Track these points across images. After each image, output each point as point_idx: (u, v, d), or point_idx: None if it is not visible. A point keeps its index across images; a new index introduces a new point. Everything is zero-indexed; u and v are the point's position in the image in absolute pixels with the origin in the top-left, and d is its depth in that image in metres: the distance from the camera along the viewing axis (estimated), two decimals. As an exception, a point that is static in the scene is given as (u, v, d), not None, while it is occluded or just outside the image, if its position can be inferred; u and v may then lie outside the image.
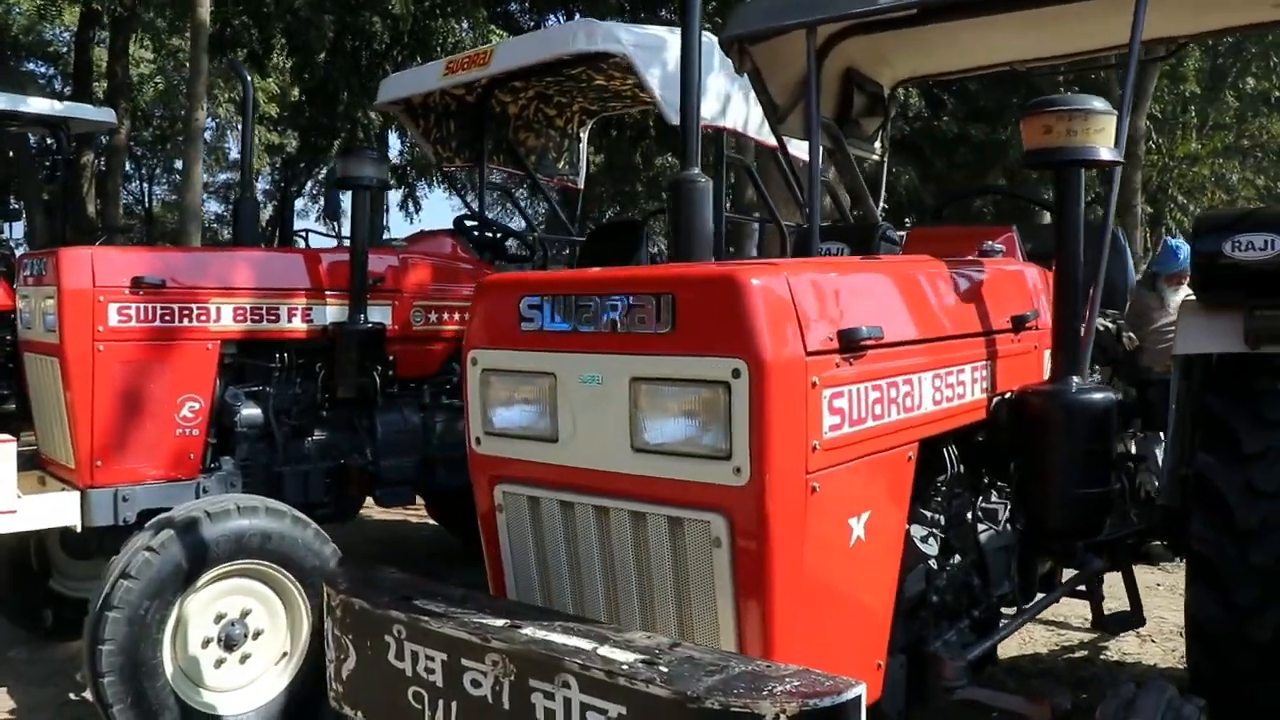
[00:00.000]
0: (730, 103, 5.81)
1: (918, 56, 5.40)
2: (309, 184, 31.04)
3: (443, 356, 5.53)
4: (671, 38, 5.55)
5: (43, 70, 26.51)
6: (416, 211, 38.06)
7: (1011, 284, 3.33)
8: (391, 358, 5.10)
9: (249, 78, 5.70)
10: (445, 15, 12.97)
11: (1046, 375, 3.28)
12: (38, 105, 8.28)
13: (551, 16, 14.94)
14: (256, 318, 4.80)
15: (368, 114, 13.05)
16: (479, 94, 6.88)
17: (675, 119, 5.52)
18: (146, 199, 35.71)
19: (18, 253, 8.47)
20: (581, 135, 7.78)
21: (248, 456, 4.87)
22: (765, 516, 2.07)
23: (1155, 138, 22.20)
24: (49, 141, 22.77)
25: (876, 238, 4.80)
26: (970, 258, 3.31)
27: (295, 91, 17.70)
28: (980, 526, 3.15)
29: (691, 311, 2.13)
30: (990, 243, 3.54)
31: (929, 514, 2.80)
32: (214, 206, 35.48)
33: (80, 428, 4.34)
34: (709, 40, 5.68)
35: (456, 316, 5.58)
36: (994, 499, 3.27)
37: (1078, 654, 5.26)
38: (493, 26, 13.39)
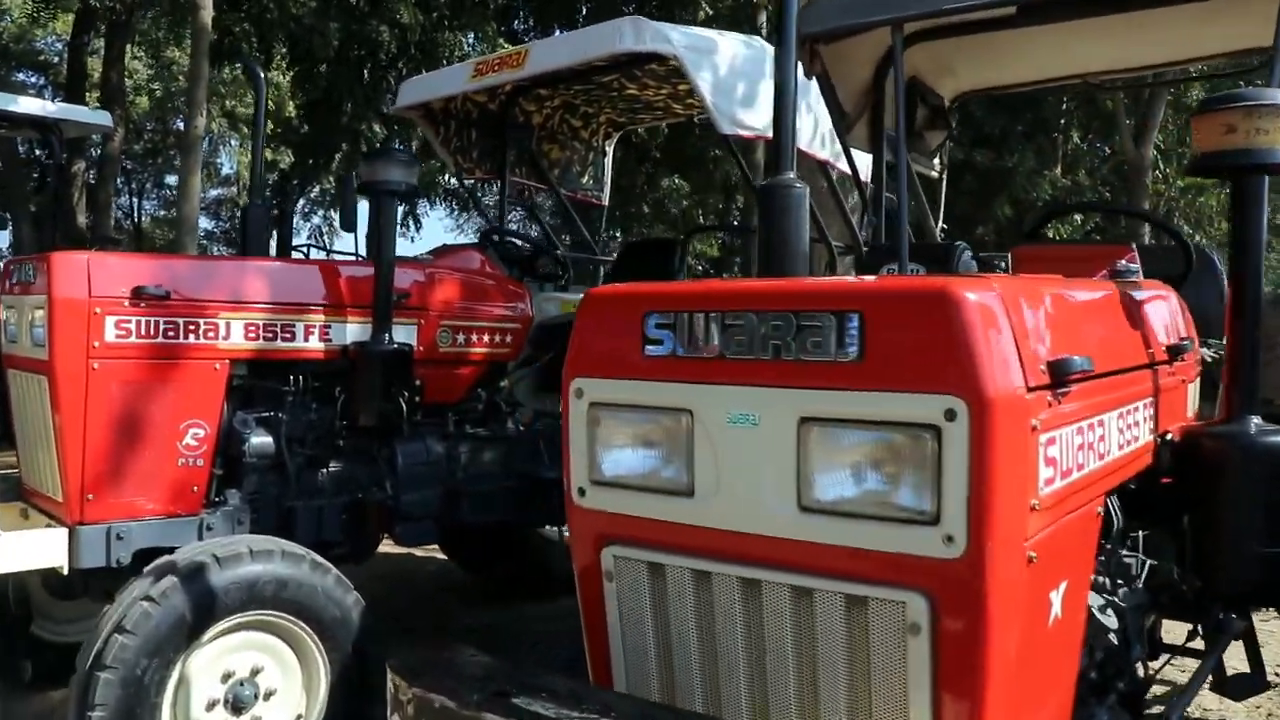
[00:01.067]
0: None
1: (985, 67, 5.06)
2: (300, 202, 30.58)
3: (470, 381, 5.06)
4: (722, 40, 5.14)
5: (33, 80, 26.00)
6: (417, 229, 37.54)
7: (1166, 309, 2.89)
8: (417, 382, 4.61)
9: (262, 75, 5.23)
10: (454, 27, 12.54)
11: (1192, 411, 2.84)
12: (30, 105, 7.79)
13: (557, 30, 14.53)
14: (270, 335, 4.32)
15: (372, 126, 12.59)
16: (502, 101, 6.46)
17: (727, 127, 5.13)
18: (136, 213, 35.14)
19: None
20: (607, 149, 7.38)
21: (256, 490, 4.39)
22: (984, 596, 1.65)
23: (1162, 167, 21.96)
24: (37, 151, 22.38)
25: (956, 257, 4.36)
26: (1117, 280, 2.87)
27: (290, 106, 17.30)
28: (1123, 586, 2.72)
29: (886, 334, 1.71)
30: (1123, 262, 3.10)
31: (1101, 579, 2.34)
32: (204, 223, 34.88)
33: (70, 455, 3.84)
34: (762, 46, 5.28)
35: (486, 338, 5.12)
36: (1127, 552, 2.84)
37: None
38: (501, 41, 12.99)
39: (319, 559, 3.78)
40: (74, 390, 3.83)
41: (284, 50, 13.09)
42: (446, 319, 4.93)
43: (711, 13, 12.75)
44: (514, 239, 5.93)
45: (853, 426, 1.74)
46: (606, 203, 7.57)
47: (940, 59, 4.74)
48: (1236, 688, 3.83)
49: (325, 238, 33.07)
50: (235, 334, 4.22)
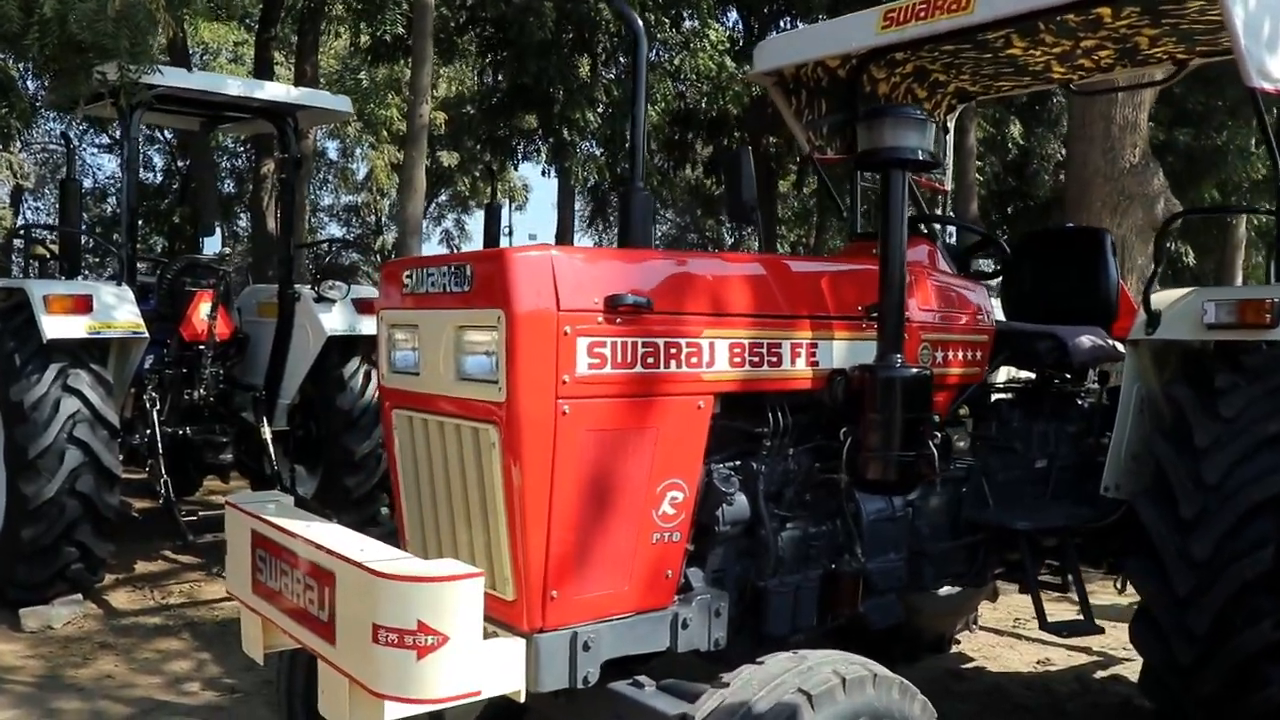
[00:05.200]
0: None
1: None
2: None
3: (944, 409, 3.82)
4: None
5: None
6: (460, 235, 36.21)
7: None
8: (936, 417, 3.38)
9: (635, 17, 4.03)
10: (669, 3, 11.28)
11: None
12: (273, 91, 6.83)
13: (785, 20, 12.98)
14: (755, 359, 3.12)
15: (585, 115, 11.42)
16: (853, 68, 5.21)
17: (1256, 79, 3.82)
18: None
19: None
20: (949, 124, 6.08)
21: (720, 567, 3.22)
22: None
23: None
24: (234, 144, 21.47)
25: None
26: None
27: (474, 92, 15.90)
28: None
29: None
30: None
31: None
32: (334, 229, 34.09)
33: (532, 536, 2.68)
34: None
35: (961, 354, 3.87)
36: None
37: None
38: (712, 23, 11.72)
39: (904, 681, 2.61)
40: (539, 444, 2.66)
41: (489, 31, 11.99)
42: (927, 332, 3.69)
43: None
44: (963, 225, 4.66)
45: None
46: (950, 187, 6.27)
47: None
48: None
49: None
50: (720, 358, 3.03)
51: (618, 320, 2.78)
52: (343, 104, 7.34)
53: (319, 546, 2.55)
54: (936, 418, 3.39)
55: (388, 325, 3.15)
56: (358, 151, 29.90)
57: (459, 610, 2.29)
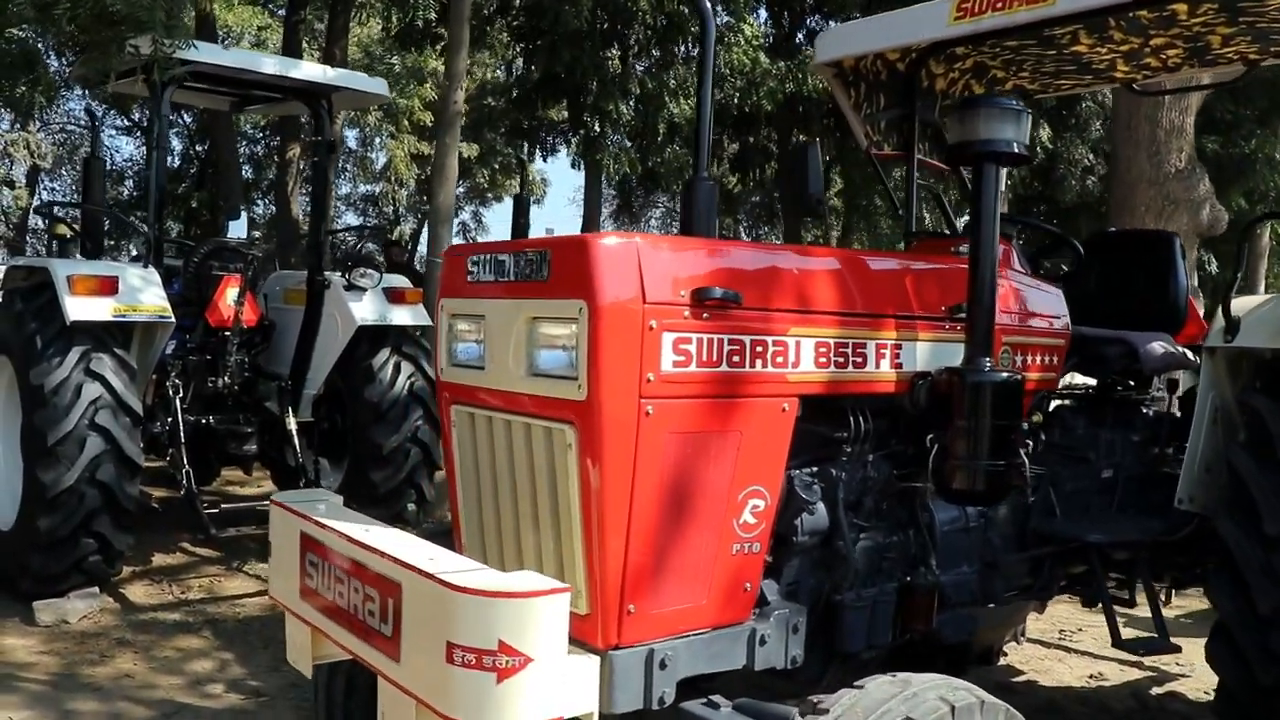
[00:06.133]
0: None
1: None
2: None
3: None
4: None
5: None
6: (477, 227, 35.76)
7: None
8: (1024, 425, 3.18)
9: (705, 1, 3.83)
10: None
11: None
12: (309, 71, 6.62)
13: (817, 17, 12.68)
14: (840, 360, 2.93)
15: (617, 107, 11.16)
16: (912, 61, 5.01)
17: None
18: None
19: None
20: (1002, 122, 5.85)
21: (795, 579, 3.03)
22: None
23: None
24: (253, 129, 21.12)
25: None
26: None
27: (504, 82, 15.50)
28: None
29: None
30: None
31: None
32: (350, 218, 33.75)
33: (610, 547, 2.49)
34: None
35: (1039, 359, 3.67)
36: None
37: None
38: (748, 17, 11.48)
39: (1010, 709, 2.43)
40: (621, 446, 2.47)
41: (518, 21, 11.75)
42: (1008, 334, 3.48)
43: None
44: (1040, 226, 4.46)
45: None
46: (1002, 187, 6.06)
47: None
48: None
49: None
50: (805, 358, 2.83)
51: (704, 315, 2.58)
52: (379, 86, 7.13)
53: (383, 554, 2.35)
54: (1025, 425, 3.18)
55: (449, 315, 2.96)
56: (377, 140, 29.64)
57: (544, 629, 2.10)
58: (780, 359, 2.75)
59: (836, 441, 3.05)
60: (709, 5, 3.21)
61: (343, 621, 2.54)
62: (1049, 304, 3.83)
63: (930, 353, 3.14)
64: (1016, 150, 2.98)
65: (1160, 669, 5.44)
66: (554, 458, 2.56)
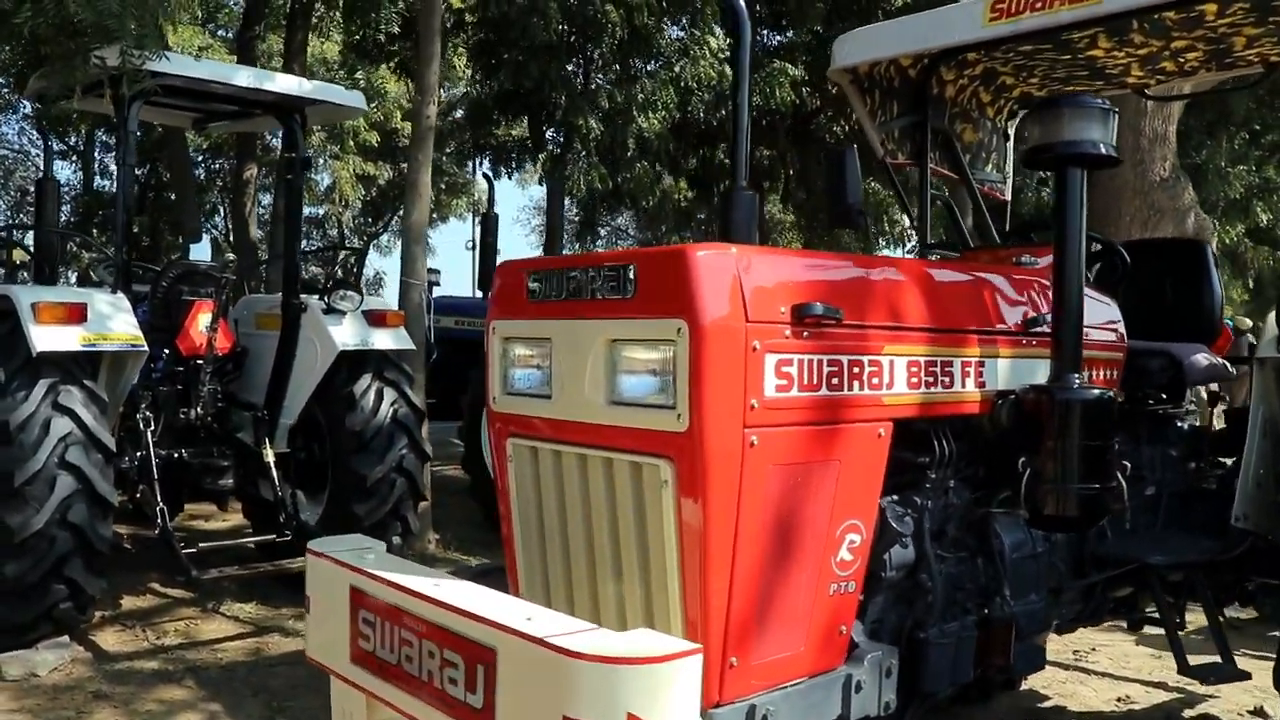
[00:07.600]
0: None
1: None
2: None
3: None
4: None
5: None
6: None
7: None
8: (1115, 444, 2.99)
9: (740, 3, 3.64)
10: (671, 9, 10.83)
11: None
12: (284, 83, 6.28)
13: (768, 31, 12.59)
14: (930, 380, 2.72)
15: (587, 122, 10.90)
16: (924, 67, 4.88)
17: None
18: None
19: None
20: (1009, 130, 5.77)
21: (879, 617, 2.80)
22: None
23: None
24: (194, 151, 20.34)
25: None
26: None
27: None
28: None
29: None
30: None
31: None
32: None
33: (713, 591, 2.24)
34: None
35: (1104, 373, 3.50)
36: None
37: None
38: (715, 28, 11.32)
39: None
40: (725, 482, 2.23)
41: (479, 35, 11.44)
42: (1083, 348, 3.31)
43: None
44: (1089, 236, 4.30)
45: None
46: (1009, 197, 5.96)
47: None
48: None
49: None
50: (898, 379, 2.62)
51: (805, 334, 2.36)
52: (356, 99, 6.81)
53: (469, 614, 2.07)
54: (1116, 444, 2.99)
55: (501, 339, 2.70)
56: (321, 161, 29.05)
57: (678, 697, 1.84)
58: (875, 380, 2.54)
59: (920, 467, 2.84)
60: (743, 5, 2.99)
61: (412, 689, 2.26)
62: (1107, 315, 3.67)
63: (1010, 370, 2.96)
64: (1104, 151, 2.80)
65: (1186, 689, 5.30)
66: (644, 496, 2.32)
